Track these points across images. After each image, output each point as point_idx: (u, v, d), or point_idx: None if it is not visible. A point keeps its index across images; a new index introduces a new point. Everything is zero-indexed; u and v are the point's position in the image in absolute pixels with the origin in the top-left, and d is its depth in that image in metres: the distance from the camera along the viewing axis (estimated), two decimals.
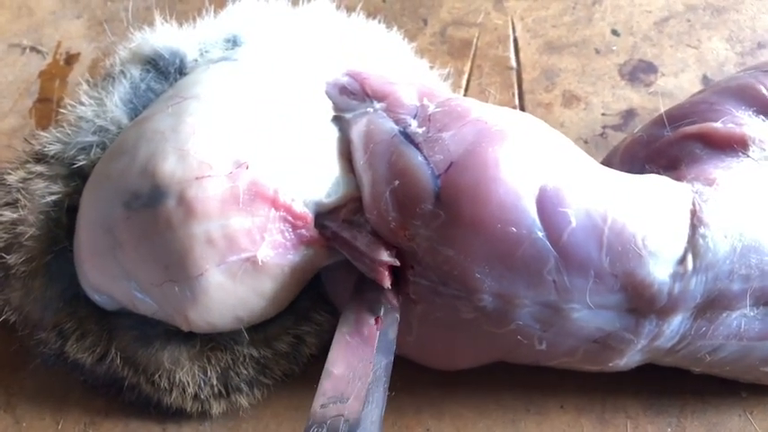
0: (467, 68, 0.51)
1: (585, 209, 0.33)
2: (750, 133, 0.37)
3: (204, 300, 0.34)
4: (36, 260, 0.38)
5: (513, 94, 0.50)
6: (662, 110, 0.46)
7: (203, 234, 0.34)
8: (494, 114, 0.36)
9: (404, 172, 0.34)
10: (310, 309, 0.38)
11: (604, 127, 0.48)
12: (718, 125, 0.37)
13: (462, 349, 0.36)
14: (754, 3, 0.53)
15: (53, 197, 0.38)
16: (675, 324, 0.34)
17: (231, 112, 0.36)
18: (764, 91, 0.38)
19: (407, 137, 0.36)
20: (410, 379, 0.38)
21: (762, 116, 0.38)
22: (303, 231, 0.35)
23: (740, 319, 0.35)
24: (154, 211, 0.34)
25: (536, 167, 0.34)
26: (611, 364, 0.36)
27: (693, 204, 0.34)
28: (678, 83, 0.50)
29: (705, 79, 0.50)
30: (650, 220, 0.33)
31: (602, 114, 0.48)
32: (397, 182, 0.34)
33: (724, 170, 0.36)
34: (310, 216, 0.35)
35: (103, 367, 0.38)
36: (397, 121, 0.37)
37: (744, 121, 0.37)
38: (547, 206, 0.33)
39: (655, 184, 0.35)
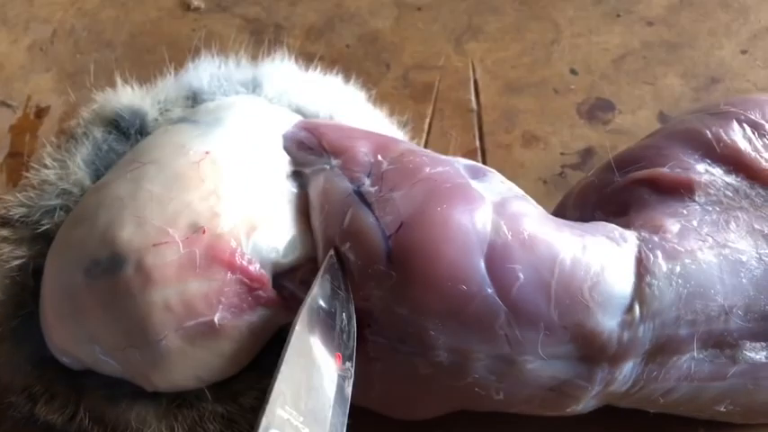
0: (429, 112, 0.52)
1: (533, 264, 0.34)
2: (696, 178, 0.38)
3: (165, 363, 0.35)
4: (2, 325, 0.38)
5: (474, 136, 0.51)
6: (619, 148, 0.47)
7: (161, 300, 0.35)
8: (446, 170, 0.37)
9: (356, 234, 0.35)
10: (274, 364, 0.39)
11: (563, 166, 0.49)
12: (665, 170, 0.38)
13: (423, 402, 0.37)
14: (708, 38, 0.54)
15: (18, 261, 0.39)
16: (627, 370, 0.35)
17: (188, 175, 0.37)
18: (710, 135, 0.39)
19: (361, 196, 0.37)
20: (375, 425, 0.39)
21: (708, 160, 0.39)
22: (260, 293, 0.36)
23: (690, 361, 0.35)
24: (113, 278, 0.35)
25: (484, 223, 0.35)
26: (568, 410, 0.37)
27: (639, 252, 0.35)
28: (635, 120, 0.51)
29: (662, 116, 0.51)
30: (597, 270, 0.34)
31: (561, 154, 0.50)
32: (348, 244, 0.35)
33: (670, 216, 0.37)
34: (267, 277, 0.36)
35: (74, 427, 0.39)
36: (351, 180, 0.37)
37: (690, 166, 0.38)
38: (495, 263, 0.34)
39: (602, 232, 0.36)
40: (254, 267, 0.36)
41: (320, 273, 0.34)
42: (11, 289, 0.38)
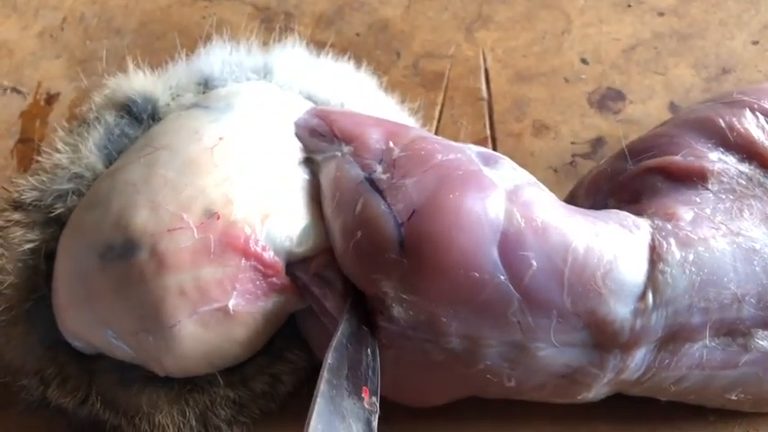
0: (439, 100, 0.52)
1: (546, 251, 0.34)
2: (709, 166, 0.38)
3: (178, 349, 0.35)
4: (15, 308, 0.38)
5: (485, 125, 0.51)
6: (630, 138, 0.47)
7: (176, 286, 0.35)
8: (457, 157, 0.37)
9: (368, 222, 0.35)
10: (284, 348, 0.39)
11: (574, 155, 0.49)
12: (678, 158, 0.38)
13: (435, 388, 0.37)
14: (719, 29, 0.54)
15: (30, 245, 0.39)
16: (639, 357, 0.35)
17: (202, 160, 0.37)
18: (723, 124, 0.39)
19: (372, 183, 0.37)
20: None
21: (721, 148, 0.39)
22: (274, 280, 0.36)
23: (702, 349, 0.36)
24: (127, 263, 0.35)
25: (497, 211, 0.35)
26: (579, 397, 0.37)
27: (653, 240, 0.35)
28: (646, 110, 0.51)
29: (672, 106, 0.51)
30: (610, 258, 0.34)
31: (572, 143, 0.50)
32: (360, 232, 0.35)
33: (683, 204, 0.37)
34: (281, 264, 0.36)
35: (85, 410, 0.39)
36: (363, 167, 0.37)
37: (703, 154, 0.38)
38: (508, 250, 0.34)
39: (615, 220, 0.36)
40: (269, 254, 0.36)
41: (345, 310, 0.35)
42: (24, 272, 0.38)
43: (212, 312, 0.35)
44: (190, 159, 0.37)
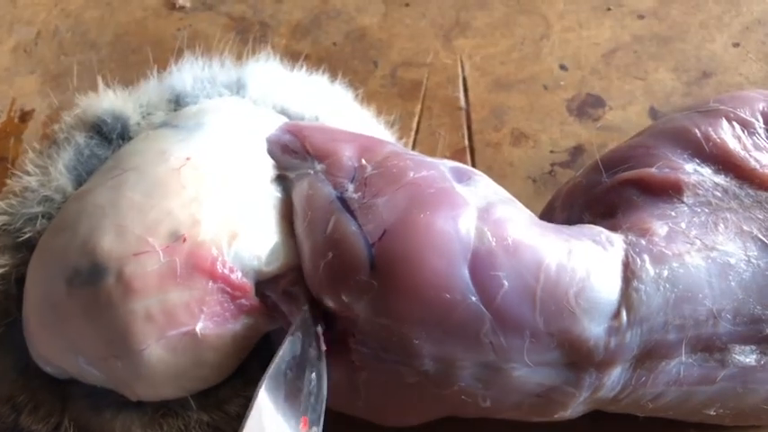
0: (417, 110, 0.51)
1: (517, 270, 0.34)
2: (685, 178, 0.37)
3: (148, 373, 0.35)
4: None
5: (463, 135, 0.50)
6: (609, 145, 0.47)
7: (143, 310, 0.34)
8: (430, 174, 0.37)
9: (339, 243, 0.35)
10: (259, 370, 0.39)
11: (552, 164, 0.49)
12: (653, 171, 0.38)
13: (410, 410, 0.37)
14: (699, 31, 0.53)
15: (1, 270, 0.38)
16: (615, 375, 0.35)
17: (169, 182, 0.37)
18: (699, 134, 0.38)
19: (344, 203, 0.36)
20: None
21: (697, 159, 0.38)
22: (243, 301, 0.35)
23: (678, 366, 0.35)
24: (94, 288, 0.35)
25: (468, 230, 0.34)
26: (556, 416, 0.37)
27: (626, 257, 0.35)
28: (626, 116, 0.50)
29: (652, 111, 0.50)
30: (582, 275, 0.34)
31: (551, 152, 0.49)
32: (331, 254, 0.35)
33: (658, 218, 0.36)
34: (249, 285, 0.36)
35: None
36: (335, 185, 0.37)
37: (679, 166, 0.38)
38: (479, 270, 0.34)
39: (588, 236, 0.36)
40: (236, 276, 0.35)
41: (290, 331, 0.33)
42: None
43: (180, 336, 0.35)
44: (157, 181, 0.36)
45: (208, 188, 0.37)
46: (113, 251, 0.35)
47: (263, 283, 0.36)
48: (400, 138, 0.48)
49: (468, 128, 0.50)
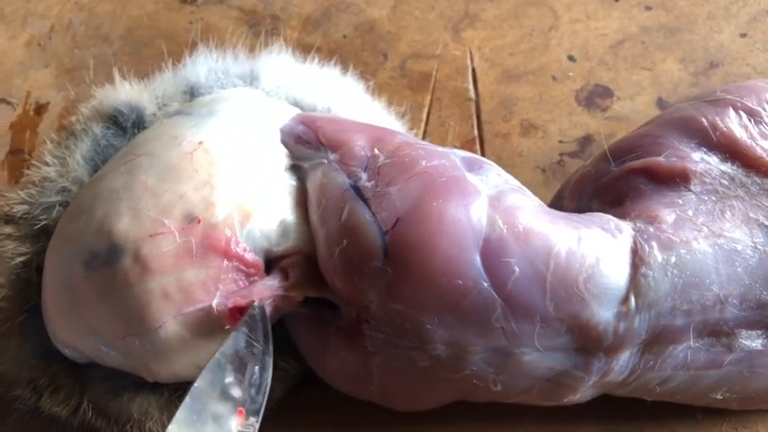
0: (427, 102, 0.52)
1: (528, 257, 0.34)
2: (692, 167, 0.38)
3: (164, 350, 0.36)
4: (10, 320, 0.39)
5: (473, 126, 0.51)
6: (617, 135, 0.47)
7: (159, 288, 0.35)
8: (441, 163, 0.38)
9: (353, 230, 0.35)
10: (275, 357, 0.40)
11: (561, 154, 0.49)
12: (661, 159, 0.38)
13: (423, 394, 0.38)
14: (707, 22, 0.54)
15: (22, 258, 0.39)
16: (624, 360, 0.36)
17: (182, 165, 0.37)
18: (706, 123, 0.39)
19: (358, 191, 0.37)
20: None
21: (704, 148, 0.39)
22: (256, 278, 0.36)
23: (686, 350, 0.36)
24: (111, 269, 0.36)
25: (479, 218, 0.35)
26: (565, 400, 0.37)
27: (635, 243, 0.35)
28: (634, 106, 0.51)
29: (660, 101, 0.51)
30: (592, 262, 0.35)
31: (560, 142, 0.50)
32: (345, 241, 0.35)
33: (666, 206, 0.37)
34: (261, 264, 0.37)
35: (78, 419, 0.39)
36: (349, 174, 0.38)
37: (686, 155, 0.38)
38: (490, 257, 0.34)
39: (597, 224, 0.36)
40: (250, 255, 0.37)
41: (237, 327, 0.35)
42: (16, 285, 0.39)
43: (196, 313, 0.36)
44: (170, 165, 0.38)
45: (220, 171, 0.38)
46: (130, 233, 0.36)
47: (270, 261, 0.37)
48: (410, 129, 0.48)
49: (478, 118, 0.51)
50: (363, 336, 0.36)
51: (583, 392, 0.37)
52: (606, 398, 0.38)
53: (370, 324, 0.36)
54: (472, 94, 0.52)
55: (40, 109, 0.53)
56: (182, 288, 0.36)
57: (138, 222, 0.36)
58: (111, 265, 0.36)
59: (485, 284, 0.34)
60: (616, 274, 0.35)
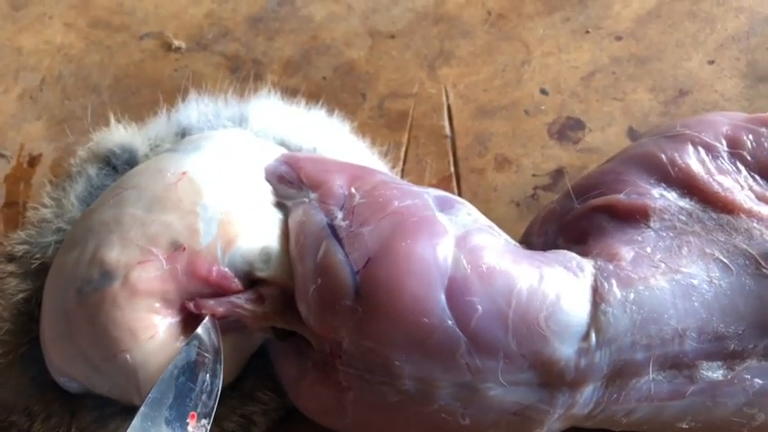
0: (404, 140, 0.53)
1: (490, 295, 0.36)
2: (651, 203, 0.39)
3: (153, 360, 0.38)
4: (12, 353, 0.42)
5: (449, 162, 0.52)
6: (589, 167, 0.48)
7: (147, 306, 0.38)
8: (414, 203, 0.39)
9: (327, 269, 0.37)
10: (255, 388, 0.42)
11: (535, 188, 0.50)
12: (622, 197, 0.40)
13: (395, 428, 0.39)
14: (676, 50, 0.55)
15: (23, 294, 0.42)
16: (587, 393, 0.37)
17: (167, 196, 0.40)
18: (665, 159, 0.40)
19: (333, 230, 0.38)
20: None
21: (663, 184, 0.40)
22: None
23: (648, 383, 0.37)
24: (102, 292, 0.38)
25: (445, 257, 0.37)
26: None
27: (595, 281, 0.37)
28: (605, 137, 0.52)
29: (631, 131, 0.52)
30: (552, 300, 0.36)
31: (533, 176, 0.51)
32: (320, 279, 0.37)
33: (625, 243, 0.38)
34: (241, 287, 0.39)
35: None
36: (326, 213, 0.39)
37: (646, 191, 0.40)
38: (455, 296, 0.36)
39: (559, 262, 0.38)
40: (231, 279, 0.39)
41: (189, 340, 0.37)
42: (18, 319, 0.42)
43: (181, 322, 0.38)
44: (156, 196, 0.40)
45: (204, 200, 0.40)
46: (120, 261, 0.38)
47: (254, 285, 0.39)
48: (391, 168, 0.50)
49: (454, 155, 0.52)
50: (337, 371, 0.38)
51: (550, 425, 0.38)
52: (575, 430, 0.40)
53: (343, 360, 0.37)
54: (448, 131, 0.54)
55: (34, 161, 0.55)
56: (168, 307, 0.38)
57: (127, 251, 0.38)
58: (102, 289, 0.38)
59: (449, 322, 0.35)
60: (577, 311, 0.36)
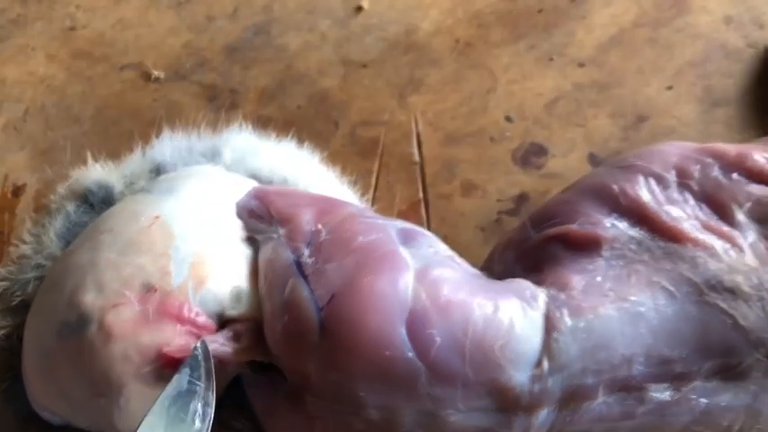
0: (375, 167, 0.56)
1: (448, 327, 0.38)
2: (603, 233, 0.41)
3: (128, 408, 0.40)
4: None
5: (418, 189, 0.54)
6: (552, 192, 0.51)
7: (120, 352, 0.39)
8: (378, 237, 0.41)
9: (293, 306, 0.39)
10: (230, 417, 0.44)
11: (499, 213, 0.53)
12: (575, 227, 0.42)
13: None
14: (636, 76, 0.57)
15: (4, 330, 0.44)
16: (543, 417, 0.39)
17: (140, 240, 0.42)
18: (617, 189, 0.42)
19: (300, 267, 0.40)
20: None
21: (615, 214, 0.42)
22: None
23: (601, 405, 0.39)
24: (80, 336, 0.40)
25: (406, 291, 0.39)
26: None
27: (548, 310, 0.39)
28: (567, 163, 0.54)
29: (592, 157, 0.54)
30: (506, 329, 0.38)
31: (498, 201, 0.53)
32: (287, 316, 0.39)
33: (577, 273, 0.40)
34: (214, 326, 0.41)
35: None
36: (293, 250, 0.41)
37: (598, 221, 0.42)
38: (415, 328, 0.38)
39: (514, 292, 0.40)
40: (202, 318, 0.40)
41: (180, 368, 0.38)
42: (0, 355, 0.44)
43: (154, 372, 0.39)
44: (130, 240, 0.42)
45: (176, 243, 0.42)
46: (96, 304, 0.40)
47: (225, 324, 0.41)
48: (362, 195, 0.52)
49: (423, 181, 0.55)
50: (305, 402, 0.40)
51: None
52: None
53: (311, 391, 0.39)
54: (417, 157, 0.56)
55: (18, 191, 0.57)
56: (139, 351, 0.40)
57: (102, 294, 0.40)
58: (79, 333, 0.40)
59: (410, 354, 0.38)
60: (530, 339, 0.38)
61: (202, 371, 0.39)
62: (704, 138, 0.54)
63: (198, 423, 0.38)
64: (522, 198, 0.53)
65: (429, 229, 0.53)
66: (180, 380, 0.39)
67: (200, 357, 0.39)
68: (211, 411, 0.39)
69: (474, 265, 0.45)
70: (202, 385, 0.39)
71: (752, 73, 0.57)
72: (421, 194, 0.54)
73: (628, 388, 0.39)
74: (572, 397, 0.38)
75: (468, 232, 0.52)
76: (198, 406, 0.38)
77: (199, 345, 0.39)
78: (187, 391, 0.38)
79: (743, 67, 0.57)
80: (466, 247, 0.51)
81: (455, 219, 0.53)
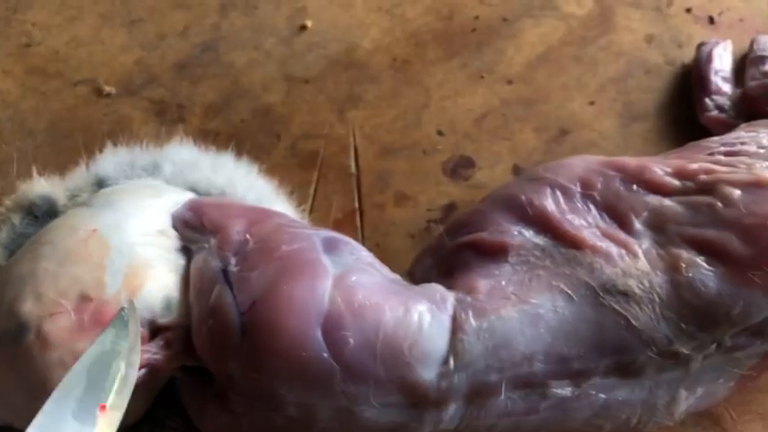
0: (314, 178, 0.58)
1: (361, 329, 0.41)
2: (510, 240, 0.44)
3: None
4: None
5: (353, 199, 0.57)
6: (477, 201, 0.54)
7: (57, 359, 0.42)
8: (301, 246, 0.44)
9: (217, 312, 0.42)
10: (165, 415, 0.46)
11: (429, 221, 0.56)
12: (485, 234, 0.45)
13: None
14: (560, 92, 0.61)
15: None
16: (452, 411, 0.42)
17: (77, 251, 0.44)
18: (524, 200, 0.46)
19: (226, 275, 0.43)
20: None
21: (522, 223, 0.45)
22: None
23: (505, 401, 0.42)
24: (18, 344, 0.43)
25: (323, 296, 0.42)
26: None
27: (455, 312, 0.42)
28: (492, 174, 0.57)
29: (516, 168, 0.58)
30: (415, 330, 0.41)
31: (428, 210, 0.56)
32: (211, 321, 0.42)
33: (484, 277, 0.43)
34: (147, 334, 0.43)
35: None
36: (222, 259, 0.44)
37: (507, 229, 0.45)
38: (330, 330, 0.41)
39: (425, 295, 0.43)
40: None
41: (104, 330, 0.39)
42: None
43: None
44: (67, 251, 0.44)
45: (111, 254, 0.44)
46: (33, 313, 0.43)
47: (157, 331, 0.44)
48: (299, 204, 0.55)
49: (359, 192, 0.58)
50: (230, 400, 0.42)
51: None
52: None
53: (235, 390, 0.42)
54: (353, 169, 0.59)
55: None
56: (75, 357, 0.41)
57: (40, 304, 0.43)
58: (17, 341, 0.42)
59: (325, 355, 0.40)
60: (437, 339, 0.41)
61: (129, 332, 0.39)
62: (623, 150, 0.57)
63: (117, 387, 0.37)
64: (450, 207, 0.56)
65: (363, 236, 0.56)
66: (102, 342, 0.38)
67: (126, 318, 0.39)
68: (134, 374, 0.38)
69: (402, 270, 0.48)
70: (126, 345, 0.38)
71: (670, 89, 0.60)
72: (356, 204, 0.57)
73: (530, 384, 0.42)
74: (478, 393, 0.41)
75: (400, 239, 0.55)
76: (121, 365, 0.38)
77: (126, 306, 0.40)
78: (110, 351, 0.38)
79: (662, 84, 0.61)
80: (397, 254, 0.54)
81: (387, 227, 0.56)
